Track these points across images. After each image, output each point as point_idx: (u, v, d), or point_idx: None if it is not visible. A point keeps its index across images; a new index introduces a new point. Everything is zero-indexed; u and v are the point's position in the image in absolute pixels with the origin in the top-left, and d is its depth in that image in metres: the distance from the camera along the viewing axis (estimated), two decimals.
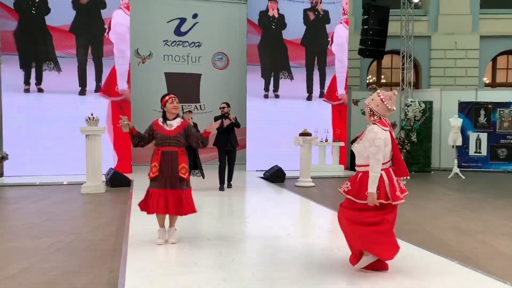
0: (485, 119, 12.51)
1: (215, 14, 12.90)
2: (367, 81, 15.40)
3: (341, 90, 12.53)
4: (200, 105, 12.88)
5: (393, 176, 3.64)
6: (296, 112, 11.94)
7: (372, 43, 12.28)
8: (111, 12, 10.76)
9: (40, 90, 10.45)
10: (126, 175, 9.65)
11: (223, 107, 8.34)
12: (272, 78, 12.06)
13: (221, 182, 8.40)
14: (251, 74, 11.88)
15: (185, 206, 4.53)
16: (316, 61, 12.35)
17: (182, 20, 12.76)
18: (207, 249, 4.47)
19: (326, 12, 12.36)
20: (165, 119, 4.63)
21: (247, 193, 8.59)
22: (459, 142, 11.45)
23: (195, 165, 7.93)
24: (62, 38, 10.51)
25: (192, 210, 4.63)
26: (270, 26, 12.03)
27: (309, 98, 12.35)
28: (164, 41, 12.66)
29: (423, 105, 12.26)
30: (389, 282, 3.55)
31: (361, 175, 3.63)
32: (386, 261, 3.76)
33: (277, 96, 12.09)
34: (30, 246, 4.69)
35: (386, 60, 15.30)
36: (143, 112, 12.18)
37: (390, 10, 12.49)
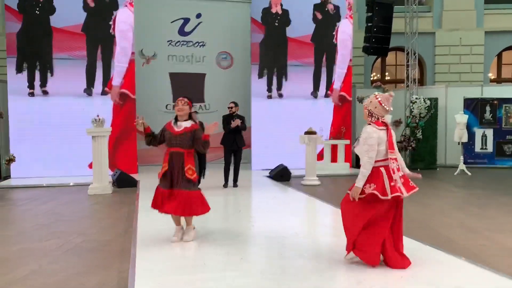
0: (491, 115, 12.46)
1: (218, 14, 12.90)
2: (371, 79, 15.37)
3: (338, 85, 12.52)
4: (205, 105, 12.90)
5: (395, 173, 3.76)
6: (301, 111, 11.93)
7: (376, 41, 12.24)
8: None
9: (45, 93, 10.51)
10: (132, 175, 9.70)
11: (231, 107, 8.47)
12: (275, 77, 12.05)
13: (226, 179, 8.61)
14: (255, 74, 11.89)
15: (188, 207, 4.55)
16: (324, 58, 12.34)
17: (186, 20, 12.77)
18: (215, 249, 4.49)
19: (337, 9, 12.33)
20: (176, 120, 4.77)
21: (253, 192, 8.61)
22: (464, 139, 11.41)
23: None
24: (67, 39, 10.54)
25: (196, 212, 4.63)
26: (273, 23, 11.99)
27: (315, 95, 12.35)
28: (168, 41, 12.68)
29: (428, 102, 12.22)
30: (396, 280, 3.55)
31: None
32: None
33: (280, 95, 12.09)
34: (39, 247, 4.74)
35: (390, 57, 15.24)
36: (148, 113, 12.20)
37: (394, 7, 12.45)
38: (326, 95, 12.44)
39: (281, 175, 9.85)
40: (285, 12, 12.03)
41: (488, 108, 12.44)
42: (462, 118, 11.36)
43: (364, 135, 3.81)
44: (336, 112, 12.51)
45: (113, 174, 9.33)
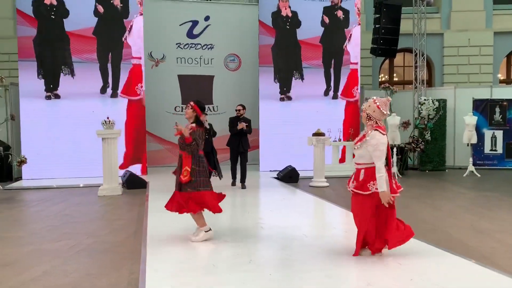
0: (500, 116, 12.37)
1: (226, 16, 12.96)
2: (379, 80, 15.33)
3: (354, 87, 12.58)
4: (213, 107, 12.95)
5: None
6: (309, 113, 11.93)
7: (384, 42, 12.21)
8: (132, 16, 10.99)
9: (57, 96, 10.61)
10: (142, 176, 9.77)
11: (239, 110, 8.65)
12: (285, 80, 12.08)
13: (234, 177, 9.01)
14: (263, 76, 11.92)
15: (184, 207, 4.70)
16: (333, 60, 12.36)
17: (195, 23, 12.84)
18: (224, 251, 4.52)
19: (346, 13, 12.34)
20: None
21: (261, 193, 8.64)
22: (474, 140, 11.35)
23: (214, 167, 8.03)
24: (80, 43, 10.67)
25: (194, 210, 4.72)
26: (284, 26, 12.02)
27: (326, 93, 12.36)
28: (177, 44, 12.75)
29: (436, 103, 12.16)
30: (406, 282, 3.56)
31: (364, 171, 4.10)
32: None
33: (289, 98, 12.10)
34: (51, 248, 4.79)
35: (399, 58, 15.19)
36: (157, 115, 12.32)
37: (402, 8, 12.41)
38: (335, 97, 12.43)
39: (289, 176, 9.86)
40: (295, 14, 12.06)
41: (497, 109, 12.35)
42: (471, 119, 11.30)
43: (374, 142, 3.99)
44: (348, 113, 12.51)
45: (123, 176, 9.40)
